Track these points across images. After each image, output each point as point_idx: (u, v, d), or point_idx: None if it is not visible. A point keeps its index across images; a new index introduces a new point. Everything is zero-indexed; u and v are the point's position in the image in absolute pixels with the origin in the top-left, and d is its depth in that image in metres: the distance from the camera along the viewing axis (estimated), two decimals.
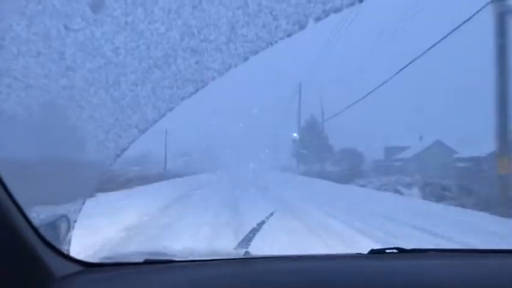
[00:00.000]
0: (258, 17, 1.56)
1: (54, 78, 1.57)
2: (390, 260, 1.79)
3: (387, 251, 1.83)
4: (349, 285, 1.42)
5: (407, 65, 19.90)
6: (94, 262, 1.62)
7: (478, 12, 13.44)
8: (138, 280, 1.47)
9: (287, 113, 55.57)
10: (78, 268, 1.53)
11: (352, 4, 1.67)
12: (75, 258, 1.55)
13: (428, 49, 17.68)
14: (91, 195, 2.11)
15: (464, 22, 14.32)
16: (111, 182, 16.12)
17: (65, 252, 1.52)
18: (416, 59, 18.88)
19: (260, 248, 5.56)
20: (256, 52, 1.59)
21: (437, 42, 16.60)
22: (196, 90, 1.68)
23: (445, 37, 15.86)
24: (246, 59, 1.62)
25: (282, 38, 1.60)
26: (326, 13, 1.59)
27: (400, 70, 20.75)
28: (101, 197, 12.16)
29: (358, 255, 1.85)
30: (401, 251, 1.83)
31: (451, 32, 15.25)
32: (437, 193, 17.84)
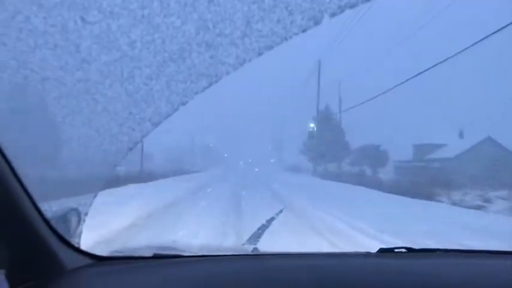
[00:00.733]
0: (273, 12, 1.56)
1: (70, 71, 1.58)
2: (399, 259, 1.79)
3: (396, 250, 1.82)
4: (358, 283, 1.41)
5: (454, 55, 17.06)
6: (104, 256, 1.63)
7: None
8: (147, 274, 1.48)
9: (295, 106, 51.39)
10: (88, 261, 1.54)
11: (368, 0, 1.66)
12: (86, 251, 1.56)
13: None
14: (103, 189, 2.13)
15: None
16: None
17: (76, 245, 1.53)
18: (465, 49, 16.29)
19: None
20: (271, 47, 1.59)
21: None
22: (210, 84, 1.68)
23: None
24: (260, 54, 1.62)
25: (296, 34, 1.60)
26: (341, 9, 1.59)
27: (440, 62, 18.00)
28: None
29: (367, 254, 1.84)
30: (410, 250, 1.82)
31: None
32: None
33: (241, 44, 1.58)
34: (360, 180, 26.66)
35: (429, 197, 17.02)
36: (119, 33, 1.55)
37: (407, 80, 22.90)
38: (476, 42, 15.71)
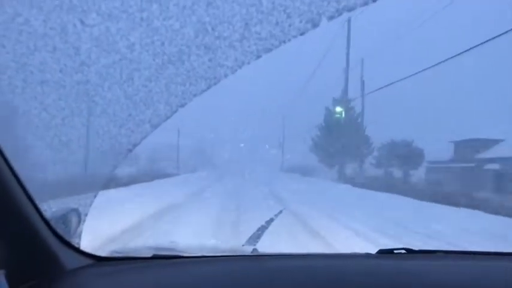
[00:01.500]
0: (271, 15, 1.56)
1: (69, 73, 1.59)
2: (398, 260, 1.79)
3: (395, 251, 1.82)
4: (357, 284, 1.42)
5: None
6: (104, 256, 1.64)
7: None
8: (146, 275, 1.49)
9: (300, 100, 44.30)
10: (88, 261, 1.55)
11: (366, 3, 1.67)
12: (86, 251, 1.57)
13: None
14: (102, 190, 2.14)
15: None
16: None
17: (76, 246, 1.54)
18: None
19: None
20: (269, 50, 1.60)
21: None
22: (209, 87, 1.69)
23: None
24: (258, 57, 1.63)
25: (295, 36, 1.61)
26: (339, 12, 1.59)
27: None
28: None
29: (367, 255, 1.84)
30: (409, 251, 1.82)
31: None
32: None
33: (240, 47, 1.59)
34: (388, 185, 21.09)
35: (486, 208, 12.78)
36: (118, 36, 1.56)
37: (447, 59, 17.63)
38: None
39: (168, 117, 1.74)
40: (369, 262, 1.75)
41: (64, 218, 1.58)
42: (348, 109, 32.57)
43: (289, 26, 1.57)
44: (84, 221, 1.76)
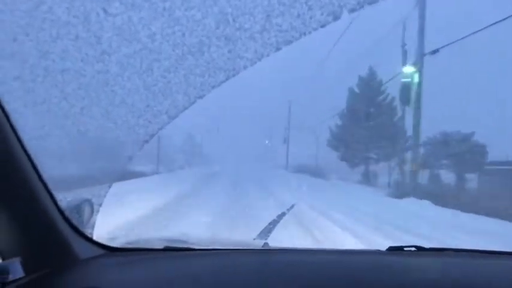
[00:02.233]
0: (293, 7, 1.56)
1: (90, 62, 1.60)
2: (408, 257, 1.78)
3: (406, 248, 1.82)
4: (366, 280, 1.41)
5: None
6: (116, 246, 1.65)
7: None
8: (158, 266, 1.50)
9: (311, 77, 38.98)
10: (101, 252, 1.56)
11: None
12: (98, 242, 1.58)
13: None
14: (117, 180, 2.15)
15: None
16: None
17: (89, 236, 1.55)
18: None
19: None
20: (289, 42, 1.60)
21: None
22: (227, 78, 1.69)
23: None
24: (278, 49, 1.63)
25: (315, 29, 1.60)
26: (361, 4, 1.59)
27: None
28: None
29: (377, 252, 1.84)
30: (419, 249, 1.82)
31: None
32: None
33: (260, 39, 1.59)
34: (439, 194, 14.51)
35: None
36: (140, 25, 1.56)
37: None
38: None
39: (185, 108, 1.74)
40: (378, 259, 1.74)
41: (78, 208, 1.59)
42: (379, 92, 25.38)
43: (311, 18, 1.57)
44: (98, 211, 1.77)
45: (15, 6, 1.46)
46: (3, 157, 1.15)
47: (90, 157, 2.01)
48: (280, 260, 1.66)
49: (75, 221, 1.45)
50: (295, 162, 39.89)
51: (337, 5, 1.57)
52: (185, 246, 1.76)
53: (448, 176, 19.61)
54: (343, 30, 21.99)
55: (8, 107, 1.14)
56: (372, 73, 26.47)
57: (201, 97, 1.72)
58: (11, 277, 1.16)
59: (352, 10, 1.58)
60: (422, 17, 17.34)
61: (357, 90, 26.91)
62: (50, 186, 1.30)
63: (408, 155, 19.65)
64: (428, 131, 19.56)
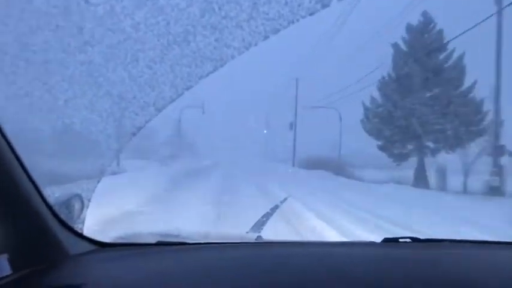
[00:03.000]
0: None
1: (72, 53, 1.56)
2: (404, 248, 1.78)
3: (401, 240, 1.81)
4: (362, 272, 1.40)
5: None
6: (107, 242, 1.63)
7: None
8: (150, 261, 1.48)
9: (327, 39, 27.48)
10: (92, 247, 1.54)
11: None
12: (89, 237, 1.56)
13: None
14: (105, 175, 2.13)
15: None
16: None
17: (79, 231, 1.52)
18: None
19: None
20: (277, 30, 1.56)
21: None
22: (215, 69, 1.66)
23: None
24: (266, 38, 1.59)
25: (304, 17, 1.57)
26: None
27: None
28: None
29: (372, 243, 1.84)
30: (415, 240, 1.81)
31: None
32: None
33: (247, 27, 1.56)
34: None
35: None
36: (123, 15, 1.52)
37: None
38: None
39: (173, 100, 1.71)
40: (374, 250, 1.74)
41: (67, 203, 1.57)
42: (439, 46, 17.83)
43: (299, 6, 1.53)
44: (88, 206, 1.74)
45: None
46: None
47: (76, 151, 1.97)
48: (274, 253, 1.65)
49: (64, 216, 1.42)
50: (305, 155, 31.12)
51: None
52: (178, 240, 1.75)
53: None
54: None
55: None
56: (427, 20, 18.28)
57: (188, 88, 1.69)
58: None
59: None
60: None
61: (403, 47, 19.03)
62: (37, 181, 1.27)
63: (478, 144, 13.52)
64: None
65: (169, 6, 1.53)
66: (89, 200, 1.75)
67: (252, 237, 2.33)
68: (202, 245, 1.73)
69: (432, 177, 17.02)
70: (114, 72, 1.63)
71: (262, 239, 2.09)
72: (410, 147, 18.83)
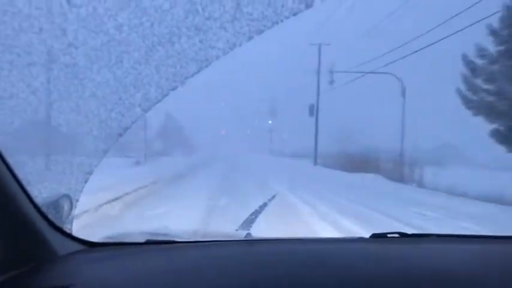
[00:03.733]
0: None
1: (56, 55, 1.55)
2: (392, 244, 1.79)
3: (389, 235, 1.83)
4: (350, 267, 1.42)
5: None
6: (96, 241, 1.63)
7: None
8: (139, 260, 1.48)
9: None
10: (81, 247, 1.54)
11: None
12: (78, 237, 1.56)
13: None
14: (92, 175, 2.13)
15: None
16: None
17: (68, 231, 1.52)
18: None
19: None
20: (261, 31, 1.57)
21: None
22: (200, 69, 1.66)
23: None
24: (250, 38, 1.60)
25: (287, 17, 1.58)
26: None
27: None
28: None
29: (360, 239, 1.85)
30: (403, 235, 1.83)
31: None
32: None
33: (232, 28, 1.56)
34: None
35: None
36: (106, 16, 1.52)
37: None
38: None
39: (158, 101, 1.71)
40: (362, 246, 1.75)
41: (55, 203, 1.57)
42: None
43: (282, 6, 1.54)
44: (76, 206, 1.74)
45: None
46: None
47: (63, 152, 1.97)
48: (263, 250, 1.66)
49: (52, 217, 1.42)
50: (331, 148, 21.93)
51: None
52: (167, 239, 1.75)
53: None
54: None
55: None
56: None
57: (173, 89, 1.69)
58: None
59: None
60: None
61: None
62: (24, 182, 1.27)
63: None
64: None
65: (152, 7, 1.53)
66: (77, 200, 1.75)
67: (241, 235, 2.33)
68: (191, 244, 1.74)
69: None
70: (98, 74, 1.63)
71: (251, 236, 2.10)
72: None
